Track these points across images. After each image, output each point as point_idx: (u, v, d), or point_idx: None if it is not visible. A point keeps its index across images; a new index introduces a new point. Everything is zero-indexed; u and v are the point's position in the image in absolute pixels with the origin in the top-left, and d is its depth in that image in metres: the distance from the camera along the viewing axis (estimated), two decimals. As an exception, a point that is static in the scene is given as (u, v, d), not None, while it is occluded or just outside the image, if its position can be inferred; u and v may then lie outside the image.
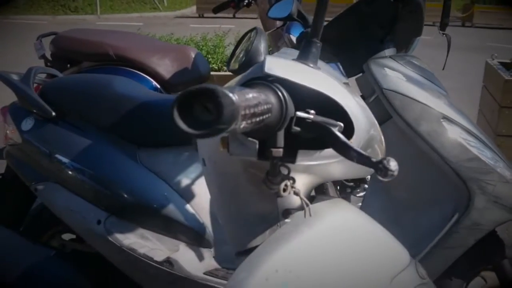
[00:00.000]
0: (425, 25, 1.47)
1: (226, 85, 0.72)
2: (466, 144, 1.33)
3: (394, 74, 1.38)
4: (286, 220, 0.76)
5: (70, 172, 1.48)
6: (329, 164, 0.72)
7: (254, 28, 1.09)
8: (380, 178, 0.57)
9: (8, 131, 1.63)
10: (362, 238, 0.77)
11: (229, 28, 4.53)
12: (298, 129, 0.66)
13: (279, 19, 2.05)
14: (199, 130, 0.49)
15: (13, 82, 1.58)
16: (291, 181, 0.72)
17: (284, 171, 0.72)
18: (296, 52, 0.75)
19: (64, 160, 1.49)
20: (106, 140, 1.52)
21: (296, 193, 0.73)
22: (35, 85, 1.59)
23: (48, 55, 2.43)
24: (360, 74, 1.52)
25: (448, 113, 1.35)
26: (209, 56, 3.69)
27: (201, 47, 3.73)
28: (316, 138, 0.66)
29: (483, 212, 1.33)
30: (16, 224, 1.74)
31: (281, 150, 0.67)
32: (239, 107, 0.50)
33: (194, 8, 13.32)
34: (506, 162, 1.37)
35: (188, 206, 1.48)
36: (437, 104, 1.36)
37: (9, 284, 1.38)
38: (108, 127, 1.52)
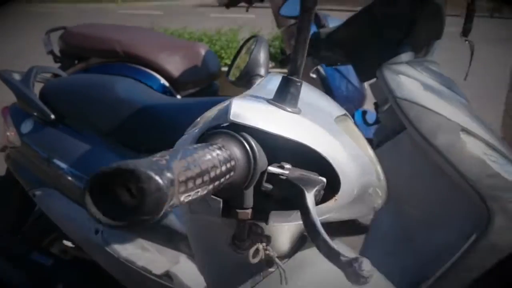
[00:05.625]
0: (452, 15, 1.32)
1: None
2: (486, 159, 1.22)
3: (410, 81, 1.27)
4: (271, 270, 0.67)
5: (68, 178, 1.43)
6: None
7: (254, 36, 1.00)
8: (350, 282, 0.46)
9: (8, 133, 1.58)
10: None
11: (248, 18, 4.41)
12: (270, 186, 0.57)
13: (291, 18, 1.95)
14: (116, 218, 0.39)
15: (13, 83, 1.53)
16: (264, 244, 0.63)
17: (257, 229, 0.63)
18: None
19: (62, 165, 1.44)
20: (105, 145, 1.45)
21: (269, 258, 0.64)
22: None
23: (56, 50, 2.37)
24: (375, 79, 1.42)
25: (467, 124, 1.25)
26: (223, 51, 3.60)
27: (214, 41, 3.64)
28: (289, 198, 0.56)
29: (503, 233, 1.23)
30: (17, 227, 1.70)
31: (248, 212, 0.58)
32: (167, 192, 0.38)
33: (215, -4, 13.24)
34: None
35: None
36: (456, 115, 1.25)
37: None
38: (108, 132, 1.45)
